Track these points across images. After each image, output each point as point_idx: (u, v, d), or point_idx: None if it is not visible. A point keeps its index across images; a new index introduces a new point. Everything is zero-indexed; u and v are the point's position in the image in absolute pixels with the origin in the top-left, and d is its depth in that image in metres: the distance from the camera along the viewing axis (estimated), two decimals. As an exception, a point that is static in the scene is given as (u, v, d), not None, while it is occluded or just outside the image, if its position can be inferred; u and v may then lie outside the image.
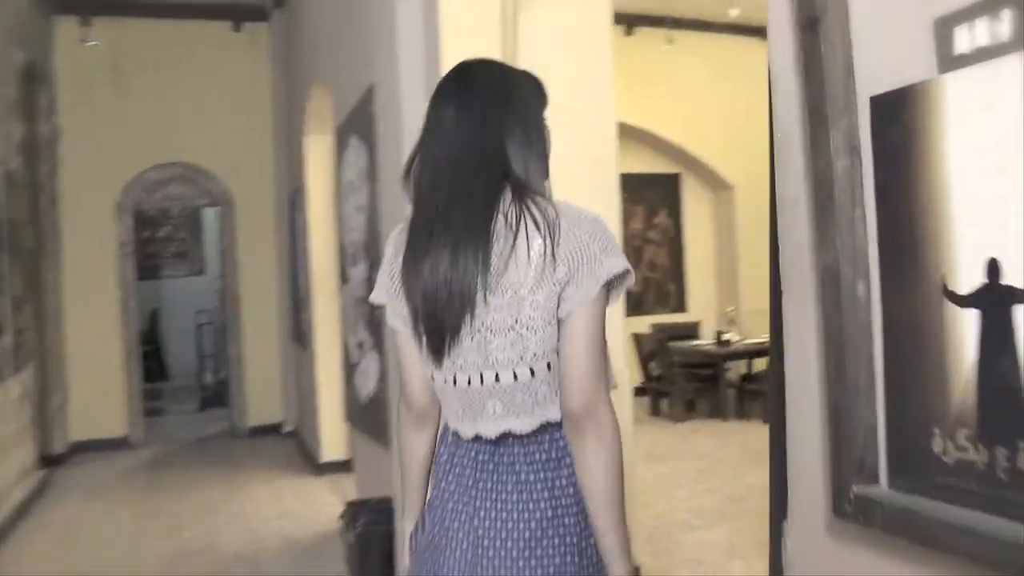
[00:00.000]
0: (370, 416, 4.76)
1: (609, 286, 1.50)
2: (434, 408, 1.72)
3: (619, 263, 1.49)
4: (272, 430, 8.74)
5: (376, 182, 4.24)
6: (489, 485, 1.57)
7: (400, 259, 1.58)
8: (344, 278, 5.45)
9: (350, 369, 5.35)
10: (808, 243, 1.45)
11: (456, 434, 1.64)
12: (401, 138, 3.51)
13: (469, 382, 1.55)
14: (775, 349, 1.62)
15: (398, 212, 3.72)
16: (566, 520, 1.54)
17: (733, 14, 8.25)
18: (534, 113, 1.61)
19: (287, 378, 8.74)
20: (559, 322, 1.49)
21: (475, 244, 1.46)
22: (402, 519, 1.82)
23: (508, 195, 1.50)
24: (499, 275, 1.47)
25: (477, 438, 1.58)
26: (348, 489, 5.92)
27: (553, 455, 1.56)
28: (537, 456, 1.56)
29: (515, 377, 1.51)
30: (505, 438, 1.56)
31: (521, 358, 1.50)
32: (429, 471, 1.76)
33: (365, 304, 4.72)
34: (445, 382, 1.59)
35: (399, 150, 3.53)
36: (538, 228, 1.46)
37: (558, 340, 1.50)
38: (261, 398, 8.81)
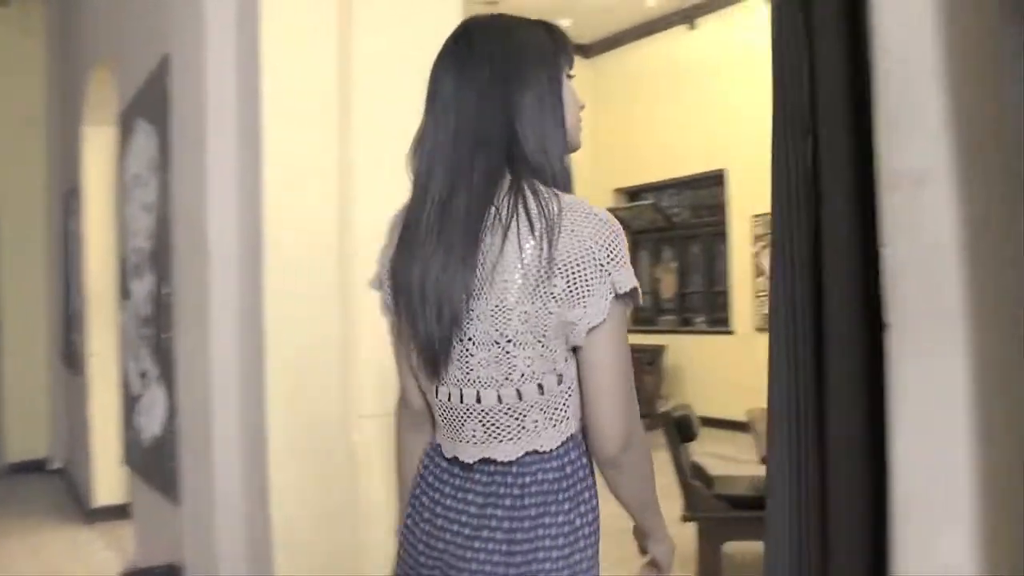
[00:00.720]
0: (155, 462, 3.90)
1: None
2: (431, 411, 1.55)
3: (627, 279, 1.28)
4: (36, 467, 7.69)
5: (169, 172, 3.41)
6: (452, 515, 1.41)
7: (393, 251, 1.40)
8: (125, 293, 4.55)
9: (130, 403, 4.46)
10: (956, 245, 0.89)
11: (439, 447, 1.48)
12: (204, 115, 2.79)
13: (450, 397, 1.38)
14: (781, 430, 1.02)
15: (198, 209, 2.98)
16: (522, 569, 1.33)
17: (566, 24, 7.90)
18: (549, 73, 1.37)
19: (56, 407, 7.70)
20: (574, 349, 1.32)
21: (464, 242, 1.28)
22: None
23: (506, 182, 1.31)
24: (484, 279, 1.28)
25: (455, 460, 1.43)
26: (126, 542, 5.04)
27: (516, 492, 1.36)
28: (503, 491, 1.37)
29: (499, 399, 1.34)
30: (482, 464, 1.39)
31: (507, 378, 1.32)
32: None
33: (150, 326, 3.89)
34: (426, 392, 1.46)
35: (201, 130, 2.81)
36: (532, 227, 1.27)
37: (577, 368, 1.34)
38: (23, 429, 7.74)
